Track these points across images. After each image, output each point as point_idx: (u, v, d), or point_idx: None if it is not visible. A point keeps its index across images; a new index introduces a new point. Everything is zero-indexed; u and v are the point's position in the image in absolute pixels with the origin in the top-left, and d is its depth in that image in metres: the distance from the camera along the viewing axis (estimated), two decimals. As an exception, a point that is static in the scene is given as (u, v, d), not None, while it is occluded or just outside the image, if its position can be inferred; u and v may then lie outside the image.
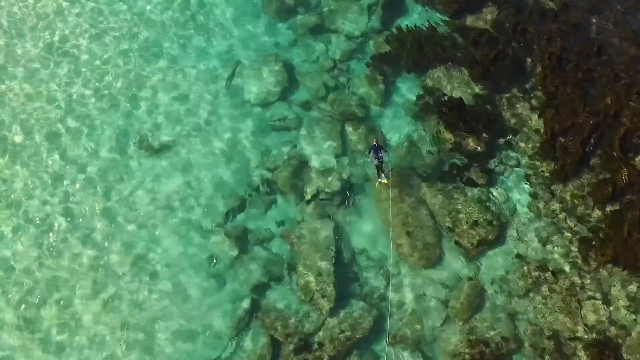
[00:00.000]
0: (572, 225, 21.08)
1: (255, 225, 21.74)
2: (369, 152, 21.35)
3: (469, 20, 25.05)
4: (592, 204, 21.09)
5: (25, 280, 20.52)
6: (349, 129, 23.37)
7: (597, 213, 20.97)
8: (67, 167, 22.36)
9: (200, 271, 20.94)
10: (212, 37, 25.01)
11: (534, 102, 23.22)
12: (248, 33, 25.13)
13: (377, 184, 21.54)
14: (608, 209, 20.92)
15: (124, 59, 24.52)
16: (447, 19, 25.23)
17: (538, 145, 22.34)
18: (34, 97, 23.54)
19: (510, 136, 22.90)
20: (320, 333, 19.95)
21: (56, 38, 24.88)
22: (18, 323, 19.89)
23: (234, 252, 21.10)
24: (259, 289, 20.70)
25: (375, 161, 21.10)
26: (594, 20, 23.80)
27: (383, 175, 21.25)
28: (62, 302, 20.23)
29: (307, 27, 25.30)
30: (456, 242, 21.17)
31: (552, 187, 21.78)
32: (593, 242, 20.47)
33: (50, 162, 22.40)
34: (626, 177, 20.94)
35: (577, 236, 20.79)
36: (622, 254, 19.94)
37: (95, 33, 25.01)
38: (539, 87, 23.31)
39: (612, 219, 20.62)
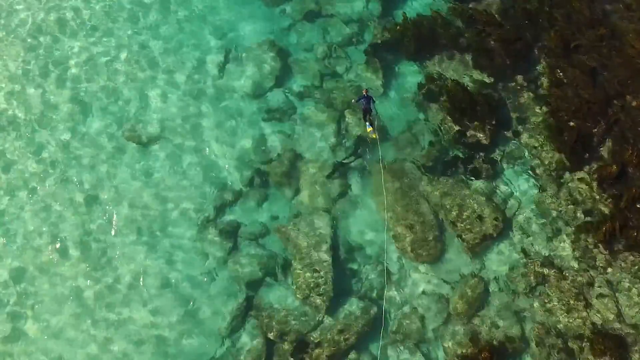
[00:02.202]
0: (581, 218, 20.63)
1: (248, 219, 21.50)
2: (357, 100, 21.82)
3: (474, 6, 24.54)
4: (599, 195, 20.65)
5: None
6: (346, 118, 22.99)
7: (604, 204, 20.53)
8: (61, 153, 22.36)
9: (192, 268, 20.74)
10: (205, 24, 24.66)
11: (540, 90, 22.81)
12: (241, 19, 24.76)
13: (370, 132, 21.66)
14: (612, 191, 20.57)
15: (115, 48, 24.18)
16: (450, 4, 24.81)
17: (544, 135, 21.93)
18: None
19: (516, 126, 22.50)
20: (317, 332, 19.73)
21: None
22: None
23: (227, 248, 20.89)
24: (253, 286, 20.52)
25: (365, 111, 21.44)
26: (606, 4, 23.36)
27: (371, 127, 21.46)
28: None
29: (303, 12, 24.92)
30: (459, 237, 20.85)
31: (559, 179, 21.39)
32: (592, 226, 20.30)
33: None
34: (630, 156, 20.61)
35: (583, 230, 20.33)
36: (620, 231, 19.62)
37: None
38: (546, 75, 22.91)
39: (613, 198, 20.34)
